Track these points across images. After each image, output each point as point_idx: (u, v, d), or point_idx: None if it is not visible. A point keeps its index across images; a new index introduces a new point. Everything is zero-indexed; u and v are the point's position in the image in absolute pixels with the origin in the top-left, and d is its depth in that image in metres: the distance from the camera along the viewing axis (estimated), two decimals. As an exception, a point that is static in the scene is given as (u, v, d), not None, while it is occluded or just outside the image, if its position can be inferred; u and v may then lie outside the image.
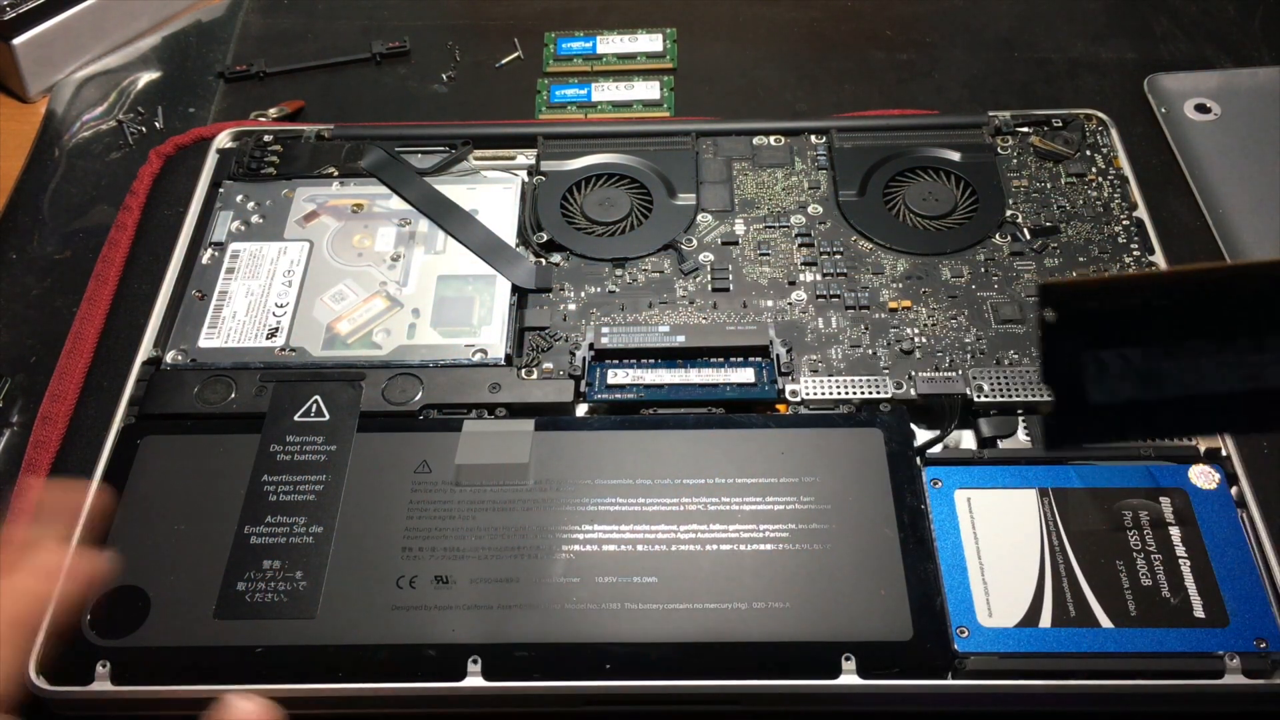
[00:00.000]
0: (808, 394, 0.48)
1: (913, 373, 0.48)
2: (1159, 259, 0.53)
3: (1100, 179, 0.57)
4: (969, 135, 0.59)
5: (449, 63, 0.69)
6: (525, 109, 0.66)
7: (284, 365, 0.49)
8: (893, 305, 0.51)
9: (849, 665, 0.40)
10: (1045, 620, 0.40)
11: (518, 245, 0.54)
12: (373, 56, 0.69)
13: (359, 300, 0.52)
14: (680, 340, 0.49)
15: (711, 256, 0.54)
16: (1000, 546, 0.42)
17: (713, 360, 0.49)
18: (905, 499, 0.43)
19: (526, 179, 0.58)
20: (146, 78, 0.69)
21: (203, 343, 0.50)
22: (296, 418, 0.47)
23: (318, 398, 0.48)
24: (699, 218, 0.56)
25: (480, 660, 0.40)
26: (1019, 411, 0.48)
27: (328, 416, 0.47)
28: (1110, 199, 0.56)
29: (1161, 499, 0.44)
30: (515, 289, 0.52)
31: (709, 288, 0.53)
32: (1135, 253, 0.53)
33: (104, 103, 0.67)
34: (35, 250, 0.59)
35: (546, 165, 0.58)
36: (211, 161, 0.59)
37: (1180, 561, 0.42)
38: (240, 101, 0.67)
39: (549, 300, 0.52)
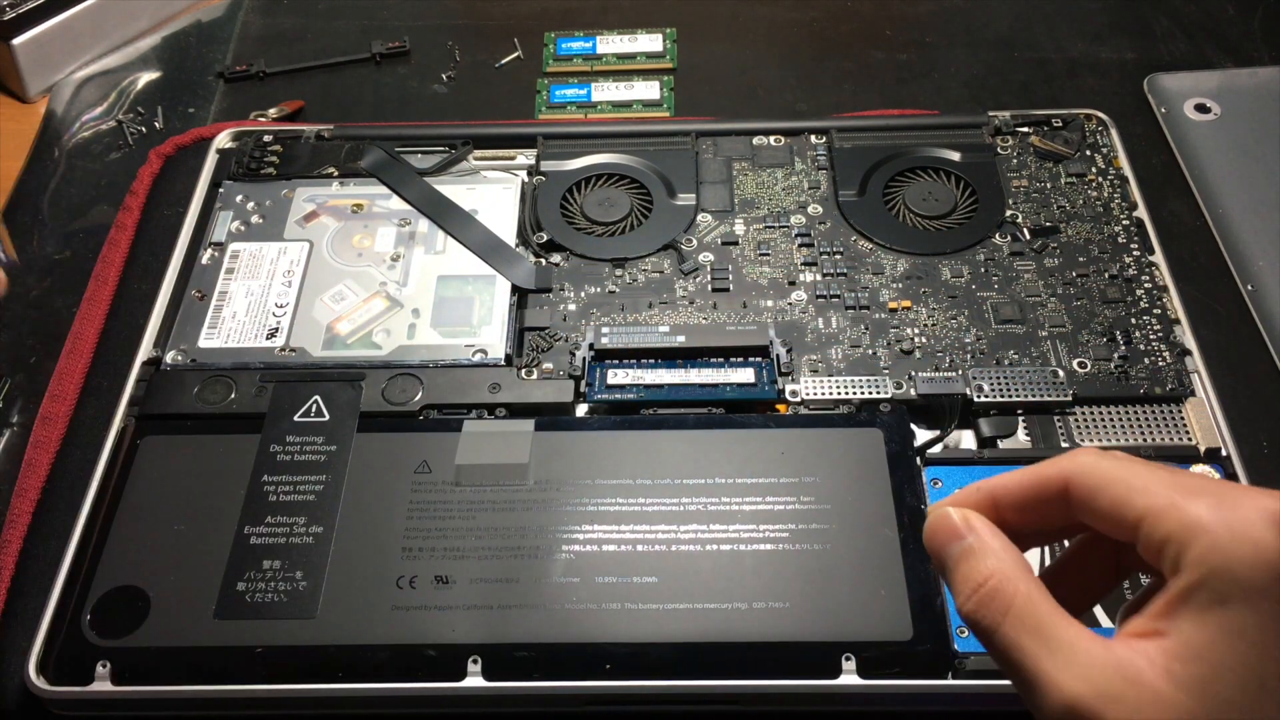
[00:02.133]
0: (808, 394, 0.48)
1: (913, 373, 0.48)
2: (1159, 259, 0.53)
3: (1100, 179, 0.57)
4: (969, 135, 0.59)
5: (449, 63, 0.69)
6: (525, 109, 0.66)
7: (284, 365, 0.49)
8: (893, 305, 0.51)
9: (849, 665, 0.40)
10: (1045, 620, 0.40)
11: (518, 245, 0.54)
12: (373, 56, 0.69)
13: (359, 300, 0.52)
14: (680, 340, 0.49)
15: (711, 256, 0.54)
16: (1000, 546, 0.42)
17: (713, 360, 0.49)
18: (905, 499, 0.43)
19: (526, 179, 0.58)
20: (146, 78, 0.69)
21: (203, 343, 0.50)
22: (296, 418, 0.47)
23: (318, 398, 0.48)
24: (699, 218, 0.56)
25: (480, 660, 0.40)
26: (1019, 411, 0.48)
27: (328, 416, 0.47)
28: (1110, 199, 0.56)
29: (1161, 499, 0.43)
30: (515, 289, 0.52)
31: (709, 288, 0.53)
32: (1135, 253, 0.53)
33: (104, 103, 0.67)
34: (35, 250, 0.59)
35: (546, 165, 0.58)
36: (211, 161, 0.59)
37: (1180, 561, 0.42)
38: (240, 101, 0.67)
39: (549, 300, 0.52)
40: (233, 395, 0.48)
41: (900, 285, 0.52)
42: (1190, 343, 0.50)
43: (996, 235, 0.54)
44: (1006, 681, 0.39)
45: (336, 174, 0.58)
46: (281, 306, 0.52)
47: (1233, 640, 0.22)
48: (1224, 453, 0.46)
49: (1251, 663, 0.22)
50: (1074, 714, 0.23)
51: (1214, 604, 0.23)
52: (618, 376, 0.48)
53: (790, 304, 0.52)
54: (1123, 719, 0.23)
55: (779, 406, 0.48)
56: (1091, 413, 0.48)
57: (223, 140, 0.60)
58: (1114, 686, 0.23)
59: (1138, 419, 0.47)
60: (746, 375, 0.48)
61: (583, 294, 0.53)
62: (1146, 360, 0.49)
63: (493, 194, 0.57)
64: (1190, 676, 0.23)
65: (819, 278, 0.53)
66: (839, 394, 0.48)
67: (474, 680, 0.40)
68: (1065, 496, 0.26)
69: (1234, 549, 0.22)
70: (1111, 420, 0.47)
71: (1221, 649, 0.23)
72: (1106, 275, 0.52)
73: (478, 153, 0.59)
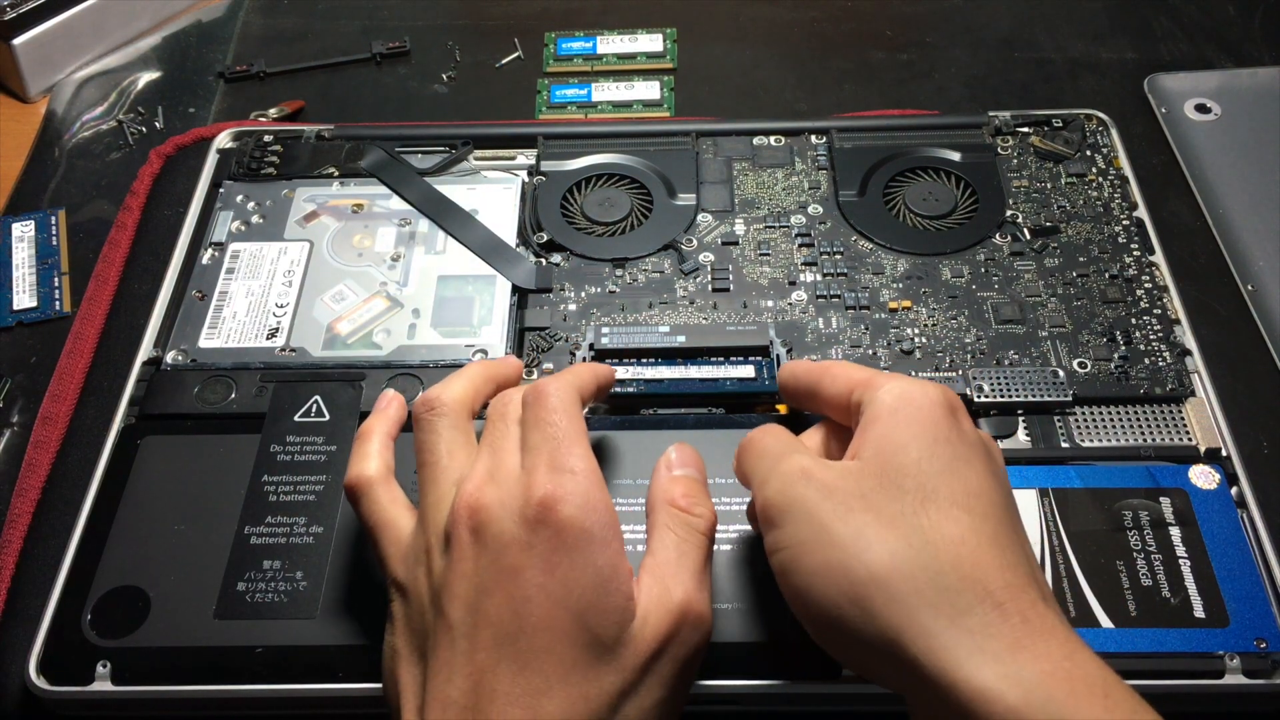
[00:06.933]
0: (808, 394, 0.48)
1: (913, 373, 0.48)
2: (1159, 259, 0.53)
3: (1100, 179, 0.57)
4: (969, 135, 0.59)
5: (449, 63, 0.69)
6: (525, 109, 0.66)
7: (284, 365, 0.49)
8: (893, 305, 0.51)
9: (849, 665, 0.40)
10: (1045, 620, 0.40)
11: (518, 245, 0.54)
12: (373, 56, 0.69)
13: (359, 300, 0.52)
14: (680, 340, 0.49)
15: (711, 256, 0.54)
16: (1000, 546, 0.42)
17: (713, 359, 0.49)
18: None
19: (526, 179, 0.58)
20: (146, 78, 0.69)
21: (203, 343, 0.50)
22: (297, 418, 0.47)
23: (318, 398, 0.48)
24: (699, 218, 0.56)
25: (480, 660, 0.40)
26: (1019, 411, 0.48)
27: (328, 416, 0.47)
28: (1110, 199, 0.56)
29: (1161, 499, 0.44)
30: (515, 289, 0.52)
31: (709, 288, 0.53)
32: (1135, 253, 0.53)
33: (104, 103, 0.67)
34: (35, 250, 0.59)
35: (546, 165, 0.58)
36: (211, 161, 0.59)
37: (1180, 562, 0.42)
38: (240, 101, 0.67)
39: (549, 300, 0.52)
40: (233, 395, 0.48)
41: (900, 285, 0.52)
42: (1190, 343, 0.50)
43: (997, 235, 0.54)
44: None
45: (337, 174, 0.58)
46: (282, 306, 0.52)
47: (870, 435, 0.36)
48: (1224, 453, 0.46)
49: (879, 444, 0.35)
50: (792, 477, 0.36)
51: (871, 424, 0.36)
52: (617, 372, 0.48)
53: (790, 304, 0.52)
54: (824, 479, 0.35)
55: (779, 406, 0.48)
56: (1091, 413, 0.48)
57: (223, 140, 0.60)
58: (815, 474, 0.36)
59: (1138, 419, 0.47)
60: (747, 371, 0.48)
61: (583, 294, 0.53)
62: (1147, 360, 0.49)
63: (493, 194, 0.57)
64: (855, 458, 0.36)
65: (819, 278, 0.53)
66: (839, 394, 0.48)
67: (474, 680, 0.40)
68: (818, 388, 0.40)
69: (887, 394, 0.36)
70: (1111, 420, 0.47)
71: (869, 443, 0.35)
72: (1107, 275, 0.52)
73: (478, 153, 0.59)
